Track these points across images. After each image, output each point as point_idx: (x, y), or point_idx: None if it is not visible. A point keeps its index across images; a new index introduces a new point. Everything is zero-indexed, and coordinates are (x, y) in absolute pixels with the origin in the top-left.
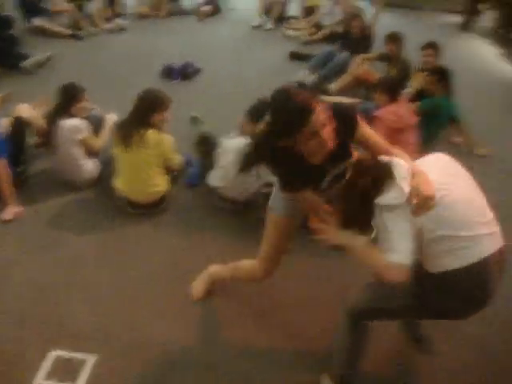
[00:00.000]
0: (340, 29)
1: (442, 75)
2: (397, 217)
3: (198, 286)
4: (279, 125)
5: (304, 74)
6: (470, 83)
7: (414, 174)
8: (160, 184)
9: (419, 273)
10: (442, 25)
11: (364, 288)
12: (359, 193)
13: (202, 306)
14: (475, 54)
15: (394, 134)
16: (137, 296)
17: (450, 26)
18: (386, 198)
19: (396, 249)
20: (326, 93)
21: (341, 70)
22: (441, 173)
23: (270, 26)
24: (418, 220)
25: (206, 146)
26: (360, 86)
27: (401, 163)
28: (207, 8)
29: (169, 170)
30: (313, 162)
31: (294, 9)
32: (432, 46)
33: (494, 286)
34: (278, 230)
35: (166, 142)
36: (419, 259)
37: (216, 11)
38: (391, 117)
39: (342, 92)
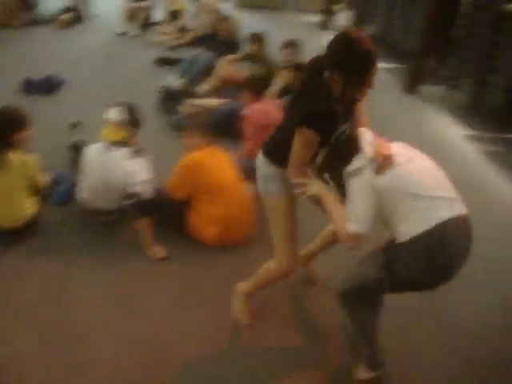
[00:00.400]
0: (206, 32)
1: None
2: (361, 182)
3: (240, 310)
4: (363, 64)
5: (172, 79)
6: None
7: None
8: (28, 207)
9: (387, 244)
10: (302, 24)
11: (344, 272)
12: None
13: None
14: None
15: (263, 131)
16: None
17: (310, 24)
18: (352, 164)
19: (356, 218)
20: (195, 96)
21: (207, 71)
22: (400, 147)
23: (135, 32)
24: (382, 180)
25: (79, 155)
26: (228, 86)
27: (367, 131)
28: (68, 16)
29: (36, 191)
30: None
31: (158, 14)
32: (292, 44)
33: (458, 253)
34: (287, 212)
35: (30, 163)
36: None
37: (78, 19)
38: (259, 114)
39: (210, 94)
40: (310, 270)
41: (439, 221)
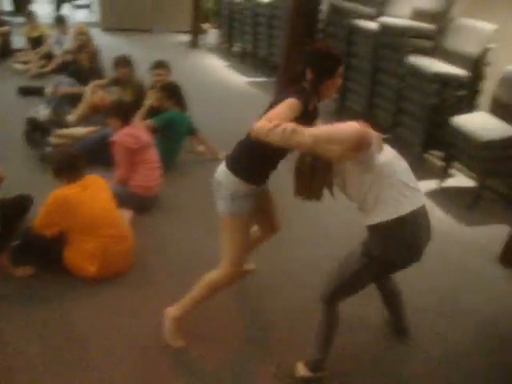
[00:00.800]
0: (70, 58)
1: (171, 91)
2: None
3: (171, 334)
4: (329, 64)
5: (38, 109)
6: (205, 93)
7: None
8: None
9: (367, 234)
10: (172, 44)
11: (326, 276)
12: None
13: None
14: (206, 66)
15: (135, 155)
16: None
17: (180, 44)
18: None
19: None
20: (64, 125)
21: (73, 99)
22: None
23: None
24: (383, 157)
25: None
26: (97, 113)
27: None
28: None
29: None
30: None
31: (19, 41)
32: (161, 65)
33: (425, 237)
34: (243, 230)
35: None
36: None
37: None
38: (129, 139)
39: (80, 122)
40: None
41: (414, 207)
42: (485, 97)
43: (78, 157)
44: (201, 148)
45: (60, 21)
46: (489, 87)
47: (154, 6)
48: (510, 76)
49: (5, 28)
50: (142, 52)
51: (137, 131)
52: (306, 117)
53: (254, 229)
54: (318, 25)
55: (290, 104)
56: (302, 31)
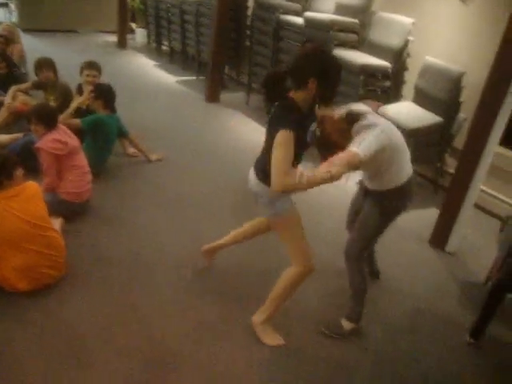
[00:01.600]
0: None
1: (99, 92)
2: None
3: (272, 337)
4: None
5: None
6: (135, 94)
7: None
8: None
9: (379, 198)
10: (99, 44)
11: (350, 239)
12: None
13: None
14: (136, 66)
15: (64, 161)
16: None
17: (108, 44)
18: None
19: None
20: None
21: None
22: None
23: None
24: (398, 139)
25: None
26: (20, 118)
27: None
28: None
29: None
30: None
31: None
32: (92, 66)
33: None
34: (297, 224)
35: None
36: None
37: None
38: (55, 145)
39: (1, 129)
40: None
41: (410, 173)
42: (408, 87)
43: (8, 160)
44: (132, 150)
45: None
46: (411, 78)
47: (78, 4)
48: (429, 66)
49: None
50: (68, 53)
51: (63, 136)
52: (302, 131)
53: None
54: (246, 21)
55: (285, 143)
56: (230, 28)
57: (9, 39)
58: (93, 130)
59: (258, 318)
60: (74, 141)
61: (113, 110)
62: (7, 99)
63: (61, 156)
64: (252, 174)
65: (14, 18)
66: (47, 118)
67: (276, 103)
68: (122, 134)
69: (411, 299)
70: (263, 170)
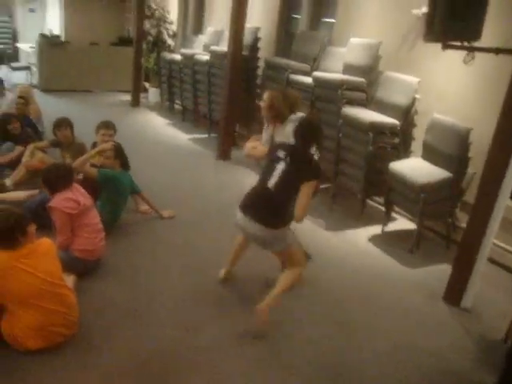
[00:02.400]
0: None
1: (118, 152)
2: None
3: (264, 322)
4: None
5: None
6: (147, 152)
7: None
8: None
9: None
10: (113, 103)
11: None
12: None
13: None
14: (148, 124)
15: (77, 219)
16: None
17: (121, 103)
18: None
19: None
20: (3, 189)
21: (12, 162)
22: None
23: None
24: None
25: None
26: (37, 176)
27: None
28: None
29: None
30: None
31: None
32: (107, 126)
33: None
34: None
35: None
36: None
37: None
38: (68, 204)
39: (19, 185)
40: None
41: None
42: (417, 143)
43: (23, 217)
44: (144, 207)
45: None
46: (420, 134)
47: (93, 66)
48: (436, 123)
49: None
50: (84, 112)
51: (76, 195)
52: None
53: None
54: (256, 80)
55: (312, 187)
56: (241, 87)
57: (28, 100)
58: (106, 186)
59: (264, 304)
60: (86, 199)
61: (126, 167)
62: (25, 156)
63: (73, 214)
64: (254, 224)
65: (35, 80)
66: (59, 178)
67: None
68: (135, 191)
69: (425, 355)
70: (274, 214)
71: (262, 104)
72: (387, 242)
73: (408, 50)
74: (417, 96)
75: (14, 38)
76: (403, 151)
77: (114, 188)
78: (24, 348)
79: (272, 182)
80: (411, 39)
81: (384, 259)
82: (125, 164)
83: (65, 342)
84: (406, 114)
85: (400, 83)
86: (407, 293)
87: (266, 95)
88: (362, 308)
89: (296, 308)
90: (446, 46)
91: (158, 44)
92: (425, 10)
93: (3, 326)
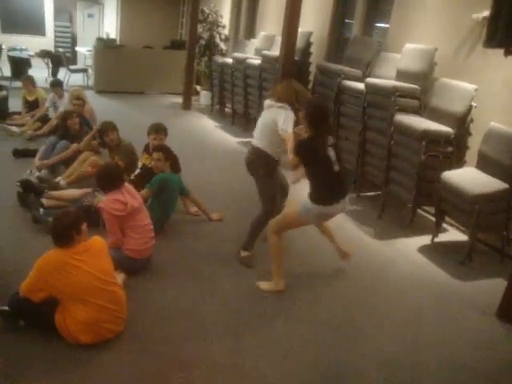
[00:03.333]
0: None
1: (168, 154)
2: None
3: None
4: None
5: (31, 171)
6: (197, 154)
7: None
8: None
9: None
10: (165, 105)
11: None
12: None
13: None
14: (198, 127)
15: (126, 220)
16: None
17: (173, 105)
18: None
19: None
20: (57, 187)
21: (66, 161)
22: None
23: None
24: None
25: None
26: (89, 175)
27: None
28: None
29: None
30: None
31: (15, 104)
32: (160, 129)
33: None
34: None
35: None
36: None
37: None
38: (116, 206)
39: (73, 184)
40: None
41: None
42: (471, 152)
43: (78, 216)
44: (194, 209)
45: (56, 85)
46: (475, 143)
47: (146, 69)
48: (494, 132)
49: (2, 93)
50: (136, 113)
51: (125, 196)
52: None
53: None
54: (307, 85)
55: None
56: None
57: (85, 101)
58: (158, 190)
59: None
60: (135, 200)
61: (176, 169)
62: (79, 161)
63: (121, 216)
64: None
65: (91, 82)
66: (109, 179)
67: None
68: (184, 193)
69: (477, 377)
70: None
71: None
72: (437, 252)
73: (466, 56)
74: (473, 104)
75: (74, 41)
76: (456, 160)
77: (163, 190)
78: (75, 341)
79: (336, 167)
80: (469, 45)
81: (433, 270)
82: (174, 166)
83: (113, 339)
84: (462, 122)
85: (456, 90)
86: (457, 306)
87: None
88: (408, 321)
89: (351, 319)
90: (509, 52)
91: (210, 48)
92: (486, 13)
93: (57, 318)
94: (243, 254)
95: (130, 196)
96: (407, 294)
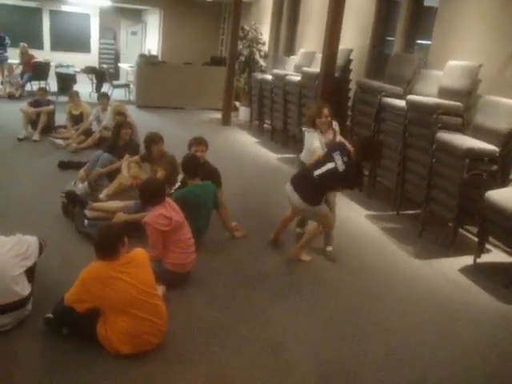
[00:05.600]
0: (108, 134)
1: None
2: None
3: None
4: None
5: (75, 183)
6: (236, 169)
7: None
8: None
9: None
10: (204, 120)
11: None
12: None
13: None
14: (237, 143)
15: (169, 235)
16: None
17: (212, 121)
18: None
19: None
20: (99, 199)
21: (109, 174)
22: None
23: (37, 137)
24: None
25: None
26: (131, 188)
27: None
28: None
29: None
30: None
31: (61, 118)
32: (201, 141)
33: None
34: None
35: None
36: None
37: None
38: (162, 221)
39: (113, 197)
40: None
41: None
42: None
43: (122, 231)
44: (239, 233)
45: (103, 97)
46: None
47: (186, 85)
48: None
49: (50, 107)
50: (176, 128)
51: (169, 211)
52: None
53: None
54: (347, 102)
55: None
56: (332, 109)
57: (126, 116)
58: (183, 204)
59: (296, 252)
60: (178, 215)
61: (216, 183)
62: (124, 171)
63: (166, 231)
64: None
65: (132, 97)
66: (152, 194)
67: None
68: (216, 206)
69: None
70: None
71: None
72: (480, 274)
73: None
74: None
75: (117, 58)
76: (501, 179)
77: (189, 204)
78: (115, 351)
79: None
80: None
81: (476, 292)
82: (214, 180)
83: (152, 350)
84: (507, 140)
85: (502, 108)
86: (501, 331)
87: (326, 109)
88: (444, 347)
89: (386, 341)
90: None
91: (250, 64)
92: None
93: (99, 328)
94: (329, 248)
95: (173, 211)
96: (446, 316)
